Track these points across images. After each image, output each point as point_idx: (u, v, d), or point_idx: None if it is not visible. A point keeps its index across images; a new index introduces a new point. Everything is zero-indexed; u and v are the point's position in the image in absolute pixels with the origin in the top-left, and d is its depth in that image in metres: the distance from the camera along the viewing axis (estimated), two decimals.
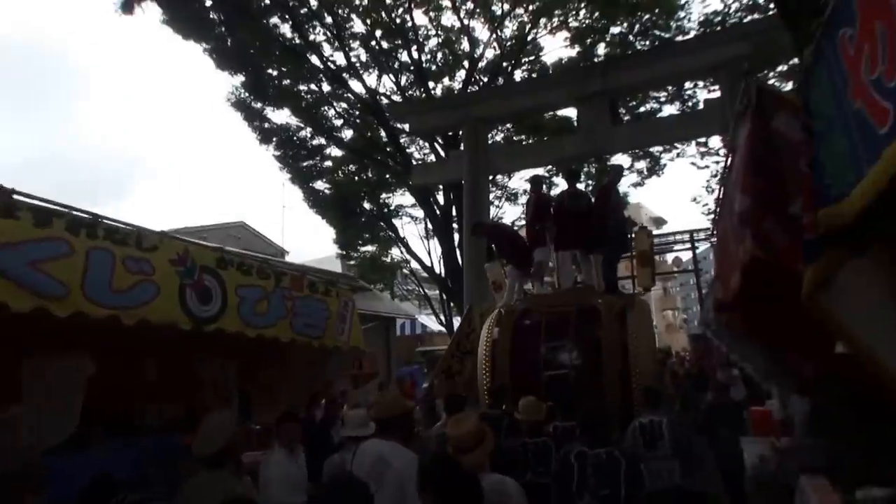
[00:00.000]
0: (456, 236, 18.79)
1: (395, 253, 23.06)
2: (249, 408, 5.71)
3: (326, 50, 18.78)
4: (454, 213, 18.90)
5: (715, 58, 12.37)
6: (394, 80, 19.80)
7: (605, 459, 3.52)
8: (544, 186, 17.69)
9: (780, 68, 14.92)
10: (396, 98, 19.68)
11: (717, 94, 13.50)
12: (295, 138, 20.65)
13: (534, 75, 18.95)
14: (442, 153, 18.75)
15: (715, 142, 16.81)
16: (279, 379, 5.63)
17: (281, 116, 19.94)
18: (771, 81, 14.53)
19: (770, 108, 2.80)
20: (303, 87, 19.54)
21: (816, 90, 2.22)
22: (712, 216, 8.06)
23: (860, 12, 1.66)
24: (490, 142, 16.82)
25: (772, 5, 8.89)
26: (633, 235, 10.94)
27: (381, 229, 22.19)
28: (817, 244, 2.27)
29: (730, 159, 3.93)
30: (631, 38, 17.45)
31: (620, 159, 18.64)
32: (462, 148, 15.89)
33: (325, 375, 6.36)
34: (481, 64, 19.67)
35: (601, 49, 18.07)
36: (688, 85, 17.74)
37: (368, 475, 3.24)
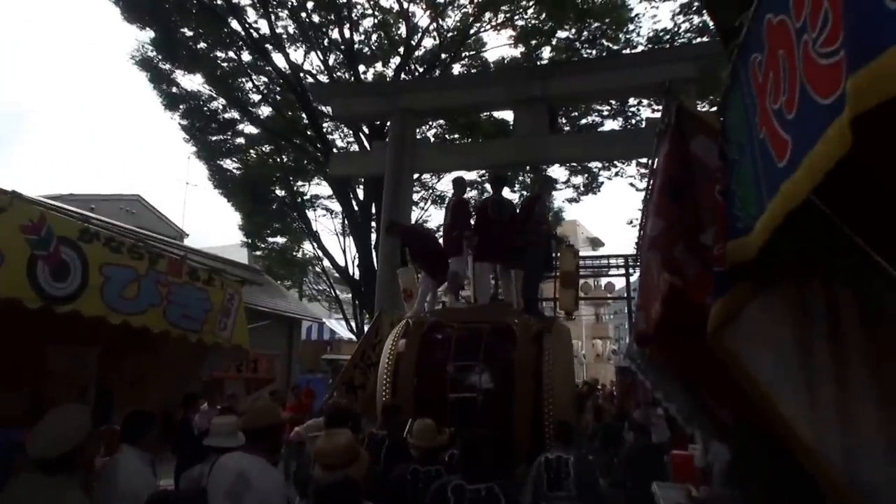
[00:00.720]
0: (373, 236, 18.65)
1: (307, 248, 22.74)
2: (111, 405, 5.40)
3: (250, 15, 18.40)
4: (374, 210, 18.72)
5: (661, 75, 12.58)
6: (321, 58, 19.57)
7: (485, 496, 3.42)
8: (472, 191, 17.65)
9: None
10: (322, 78, 19.44)
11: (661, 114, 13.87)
12: (205, 108, 20.12)
13: (473, 71, 19.14)
14: (366, 144, 18.56)
15: None
16: (148, 373, 5.36)
17: (192, 83, 19.44)
18: (715, 109, 15.08)
19: (690, 129, 2.87)
20: (220, 54, 19.10)
21: (732, 114, 2.26)
22: (636, 241, 8.18)
23: (768, 38, 1.70)
24: (419, 137, 16.81)
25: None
26: (559, 254, 11.01)
27: (293, 220, 21.87)
28: (727, 277, 2.30)
29: (651, 182, 4.00)
30: (578, 45, 17.88)
31: (557, 172, 18.98)
32: (388, 140, 15.80)
33: (200, 373, 6.11)
34: (418, 52, 19.76)
35: (546, 53, 18.55)
36: (632, 102, 18.26)
37: (226, 495, 3.12)
